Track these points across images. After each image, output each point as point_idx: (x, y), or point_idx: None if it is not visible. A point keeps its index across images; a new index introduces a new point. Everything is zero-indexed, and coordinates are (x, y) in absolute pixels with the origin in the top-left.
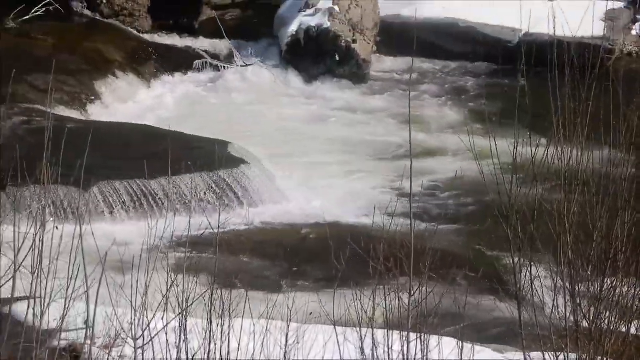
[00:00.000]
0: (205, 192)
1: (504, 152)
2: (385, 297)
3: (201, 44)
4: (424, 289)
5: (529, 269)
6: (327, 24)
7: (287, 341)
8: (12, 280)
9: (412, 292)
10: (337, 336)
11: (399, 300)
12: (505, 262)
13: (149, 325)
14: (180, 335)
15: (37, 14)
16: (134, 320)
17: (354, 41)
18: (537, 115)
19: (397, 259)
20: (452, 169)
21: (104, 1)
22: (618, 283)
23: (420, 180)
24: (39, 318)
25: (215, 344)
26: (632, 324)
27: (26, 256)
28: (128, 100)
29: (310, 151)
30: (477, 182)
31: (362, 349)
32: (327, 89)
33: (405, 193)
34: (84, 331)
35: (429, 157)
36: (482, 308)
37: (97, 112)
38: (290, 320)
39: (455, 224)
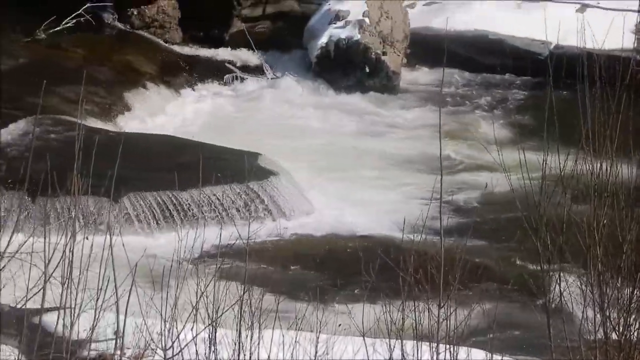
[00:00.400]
0: (235, 203)
1: (534, 164)
2: (415, 309)
3: (231, 55)
4: (453, 300)
5: (558, 280)
6: (357, 36)
7: (316, 352)
8: (42, 290)
9: (442, 304)
10: (366, 347)
11: (428, 311)
12: (534, 273)
13: (178, 336)
14: (209, 346)
15: (67, 25)
16: (164, 330)
17: (384, 53)
18: (567, 127)
19: (426, 271)
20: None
21: (135, 13)
22: None
23: (452, 194)
24: (69, 328)
25: (245, 355)
26: None
27: (56, 267)
28: (158, 112)
29: (343, 163)
30: (507, 194)
31: None
32: (357, 101)
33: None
34: (114, 342)
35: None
36: (511, 319)
37: (127, 124)
38: (320, 331)
39: (485, 235)
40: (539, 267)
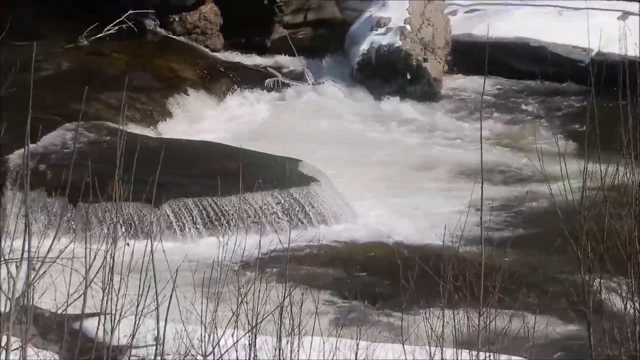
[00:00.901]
0: (275, 210)
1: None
2: (454, 316)
3: (273, 62)
4: (493, 308)
5: (599, 289)
6: (399, 42)
7: (356, 359)
8: (82, 296)
9: (482, 312)
10: (405, 355)
11: (468, 319)
12: (575, 282)
13: (218, 342)
14: (249, 352)
15: (110, 32)
16: (204, 337)
17: (425, 60)
18: (609, 135)
19: (466, 279)
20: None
21: (177, 19)
22: None
23: (492, 202)
24: (110, 334)
25: None
26: None
27: (97, 272)
28: (199, 118)
29: (385, 170)
30: (549, 203)
31: None
32: (399, 107)
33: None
34: (154, 348)
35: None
36: (551, 328)
37: (168, 130)
38: (360, 338)
39: (525, 244)
40: (579, 276)
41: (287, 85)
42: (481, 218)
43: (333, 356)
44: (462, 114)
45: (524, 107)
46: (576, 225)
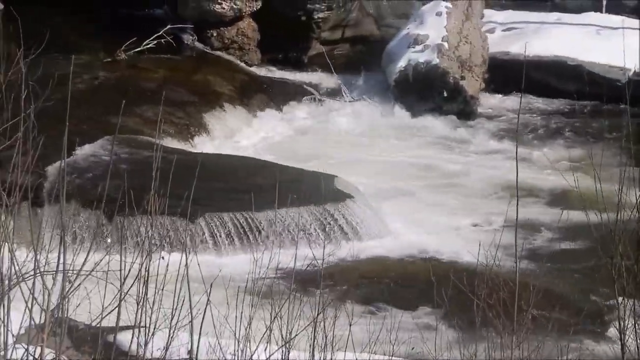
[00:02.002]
0: (310, 225)
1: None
2: (488, 334)
3: (309, 78)
4: (526, 327)
5: (633, 310)
6: (436, 60)
7: None
8: (117, 309)
9: (515, 330)
10: None
11: (500, 338)
12: (608, 303)
13: (251, 356)
14: None
15: (148, 46)
16: (237, 351)
17: (462, 78)
18: None
19: (499, 297)
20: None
21: (215, 34)
22: None
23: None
24: (143, 347)
25: None
26: None
27: (131, 285)
28: (235, 133)
29: (421, 188)
30: (583, 222)
31: None
32: (436, 125)
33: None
34: None
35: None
36: (584, 349)
37: (204, 144)
38: (393, 354)
39: (559, 263)
40: (613, 296)
41: (324, 101)
42: (515, 238)
43: None
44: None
45: (569, 128)
46: (611, 245)
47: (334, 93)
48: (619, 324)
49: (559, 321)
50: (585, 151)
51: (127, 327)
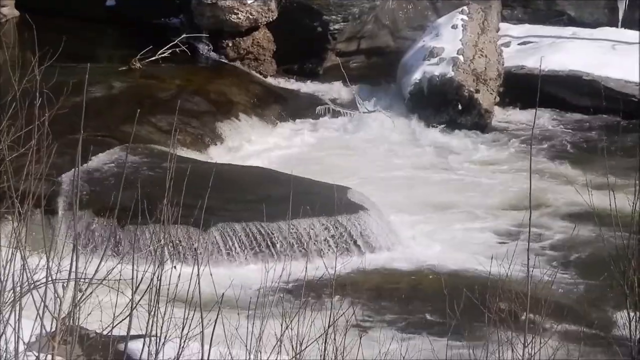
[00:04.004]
0: (322, 237)
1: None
2: (499, 348)
3: (324, 89)
4: (537, 340)
5: None
6: (451, 73)
7: None
8: (128, 318)
9: (526, 343)
10: None
11: (512, 351)
12: (620, 317)
13: None
14: None
15: (163, 55)
16: None
17: (477, 91)
18: None
19: (511, 310)
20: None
21: (230, 44)
22: None
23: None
24: (154, 356)
25: None
26: None
27: (143, 294)
28: (250, 143)
29: (434, 200)
30: (596, 236)
31: None
32: (450, 138)
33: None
34: None
35: None
36: None
37: (218, 154)
38: None
39: (571, 276)
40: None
41: (338, 113)
42: (528, 250)
43: None
44: (504, 142)
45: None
46: (624, 260)
47: (349, 104)
48: (631, 338)
49: (570, 334)
50: (600, 166)
51: (138, 336)
